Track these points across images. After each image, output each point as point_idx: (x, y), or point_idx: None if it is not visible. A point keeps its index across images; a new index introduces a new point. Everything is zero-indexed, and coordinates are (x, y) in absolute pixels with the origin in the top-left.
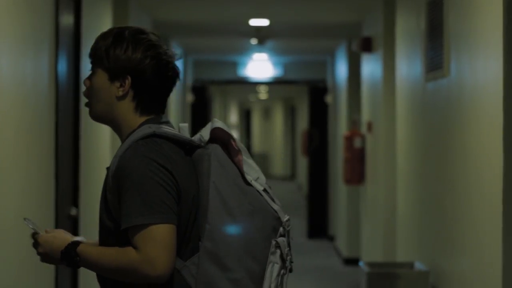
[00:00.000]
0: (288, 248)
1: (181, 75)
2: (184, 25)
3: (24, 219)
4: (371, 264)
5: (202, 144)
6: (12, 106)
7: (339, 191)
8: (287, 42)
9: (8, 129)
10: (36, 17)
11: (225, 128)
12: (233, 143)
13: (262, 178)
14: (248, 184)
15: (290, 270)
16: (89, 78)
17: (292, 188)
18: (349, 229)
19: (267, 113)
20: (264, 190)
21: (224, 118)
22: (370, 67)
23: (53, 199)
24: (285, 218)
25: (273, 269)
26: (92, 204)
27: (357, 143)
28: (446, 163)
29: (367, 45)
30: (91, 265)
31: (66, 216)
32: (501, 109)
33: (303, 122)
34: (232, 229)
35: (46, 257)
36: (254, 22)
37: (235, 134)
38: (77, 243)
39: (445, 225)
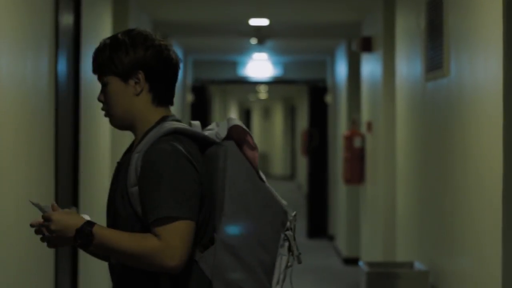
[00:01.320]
0: (295, 241)
1: (181, 75)
2: (184, 25)
3: (30, 201)
4: (370, 264)
5: (218, 140)
6: (12, 106)
7: (339, 191)
8: (287, 41)
9: (8, 128)
10: (36, 17)
11: (243, 125)
12: (250, 140)
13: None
14: (262, 180)
15: (299, 261)
16: (102, 91)
17: (292, 188)
18: (348, 228)
19: (267, 113)
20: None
21: (224, 118)
22: (370, 66)
23: (52, 199)
24: (292, 213)
25: (281, 261)
26: (92, 203)
27: (357, 142)
28: (446, 163)
29: (367, 45)
30: (105, 247)
31: None
32: (501, 109)
33: (303, 122)
34: (247, 222)
35: (57, 236)
36: (254, 22)
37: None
38: (93, 223)
39: (444, 225)
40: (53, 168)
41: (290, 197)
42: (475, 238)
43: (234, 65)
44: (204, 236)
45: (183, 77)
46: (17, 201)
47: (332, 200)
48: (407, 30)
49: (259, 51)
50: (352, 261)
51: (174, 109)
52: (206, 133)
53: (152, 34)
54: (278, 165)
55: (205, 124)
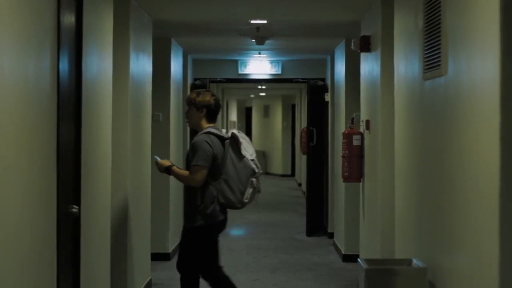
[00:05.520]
0: (258, 182)
1: (181, 74)
2: (184, 25)
3: (153, 156)
4: (369, 261)
5: (227, 137)
6: (15, 105)
7: (338, 188)
8: (287, 41)
9: (11, 127)
10: (38, 16)
11: (236, 132)
12: (238, 139)
13: (254, 154)
14: (243, 157)
15: (259, 191)
16: (187, 111)
17: (291, 186)
18: (347, 226)
19: (266, 111)
20: (253, 160)
21: (224, 116)
22: (369, 65)
23: (54, 197)
24: (258, 171)
25: (249, 190)
26: (93, 202)
27: (355, 141)
28: (443, 161)
29: (365, 44)
30: (174, 175)
31: (67, 214)
32: (498, 107)
33: (302, 120)
34: (234, 172)
35: (160, 169)
36: (254, 21)
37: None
38: (172, 165)
39: (442, 222)
40: (54, 167)
41: (290, 194)
42: (473, 235)
43: (234, 64)
44: (217, 175)
45: (183, 76)
46: (19, 199)
47: (331, 198)
48: (405, 29)
49: (259, 50)
50: (351, 258)
51: (174, 110)
52: (224, 134)
53: (214, 93)
54: (278, 163)
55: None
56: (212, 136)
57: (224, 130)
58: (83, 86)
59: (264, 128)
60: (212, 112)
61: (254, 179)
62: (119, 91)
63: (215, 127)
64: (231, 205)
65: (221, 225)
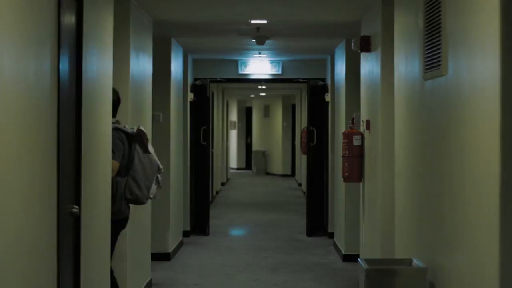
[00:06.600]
0: (160, 177)
1: (181, 74)
2: (184, 25)
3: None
4: (369, 261)
5: (131, 132)
6: (15, 105)
7: (338, 188)
8: (287, 41)
9: (11, 127)
10: (38, 16)
11: (143, 129)
12: (144, 136)
13: (153, 148)
14: (149, 153)
15: (160, 185)
16: None
17: (292, 186)
18: (348, 226)
19: (266, 111)
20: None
21: (224, 116)
22: (369, 65)
23: (54, 197)
24: (161, 167)
25: (154, 185)
26: (93, 202)
27: (355, 141)
28: (443, 161)
29: (365, 44)
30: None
31: (68, 214)
32: (498, 107)
33: (302, 120)
34: (140, 169)
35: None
36: (254, 21)
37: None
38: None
39: (442, 222)
40: (55, 166)
41: (290, 194)
42: (473, 235)
43: (234, 64)
44: (125, 172)
45: (184, 76)
46: (20, 199)
47: (332, 198)
48: (406, 29)
49: (259, 50)
50: (351, 258)
51: (174, 109)
52: (128, 130)
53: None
54: (278, 163)
55: (204, 122)
56: (121, 133)
57: (127, 126)
58: (83, 86)
59: (264, 128)
60: (113, 107)
61: (159, 175)
62: (119, 91)
63: (117, 122)
64: (138, 201)
65: (125, 222)
